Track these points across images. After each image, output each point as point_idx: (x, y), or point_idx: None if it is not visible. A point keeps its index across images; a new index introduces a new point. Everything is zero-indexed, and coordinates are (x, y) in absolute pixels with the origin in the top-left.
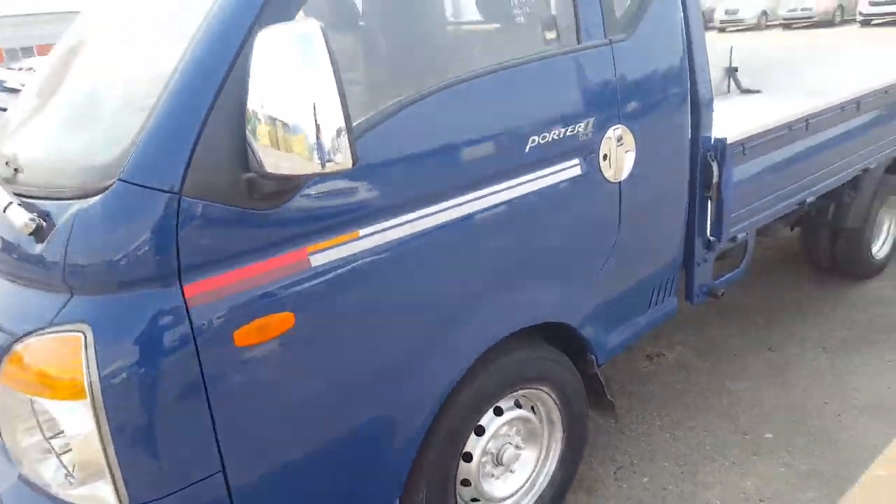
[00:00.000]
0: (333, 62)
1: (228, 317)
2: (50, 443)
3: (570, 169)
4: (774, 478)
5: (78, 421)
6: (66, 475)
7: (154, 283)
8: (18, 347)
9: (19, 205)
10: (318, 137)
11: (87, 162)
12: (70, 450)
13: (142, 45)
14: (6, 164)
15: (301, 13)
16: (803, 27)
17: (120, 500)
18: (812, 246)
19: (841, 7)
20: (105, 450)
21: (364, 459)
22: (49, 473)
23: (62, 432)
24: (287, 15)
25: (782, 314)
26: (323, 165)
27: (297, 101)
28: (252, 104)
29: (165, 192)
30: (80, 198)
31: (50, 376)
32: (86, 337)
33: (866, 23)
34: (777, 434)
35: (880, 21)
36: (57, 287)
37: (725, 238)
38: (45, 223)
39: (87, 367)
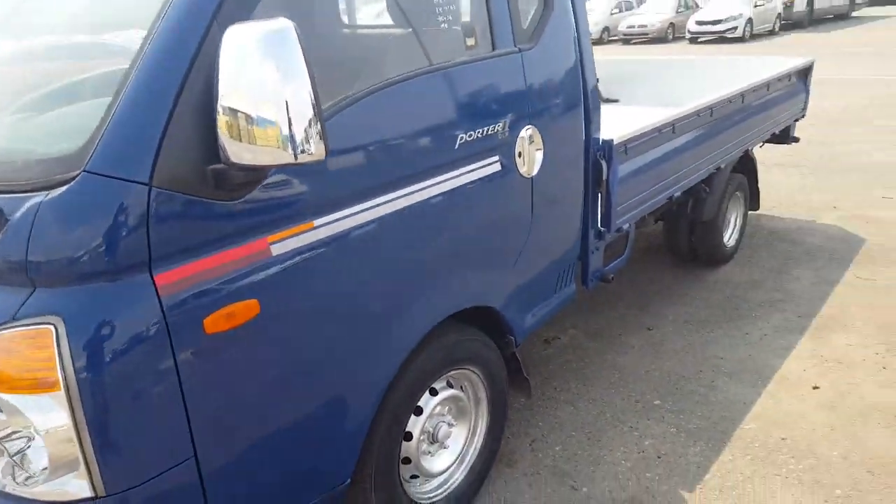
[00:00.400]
0: (306, 57)
1: (198, 305)
2: (3, 443)
3: (492, 165)
4: (667, 437)
5: (49, 414)
6: (26, 471)
7: (125, 273)
8: None
9: None
10: (290, 129)
11: (41, 154)
12: (30, 447)
13: (89, 32)
14: None
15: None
16: (640, 43)
17: (95, 491)
18: (674, 237)
19: (672, 25)
20: (81, 441)
21: (322, 440)
22: (4, 473)
23: (24, 429)
24: (246, 8)
25: (654, 298)
26: (296, 156)
27: (271, 95)
28: (223, 98)
29: (136, 182)
30: (37, 190)
31: (15, 371)
32: (57, 329)
33: (694, 40)
34: (664, 400)
35: (705, 39)
36: (14, 281)
37: (614, 228)
38: None
39: (61, 358)
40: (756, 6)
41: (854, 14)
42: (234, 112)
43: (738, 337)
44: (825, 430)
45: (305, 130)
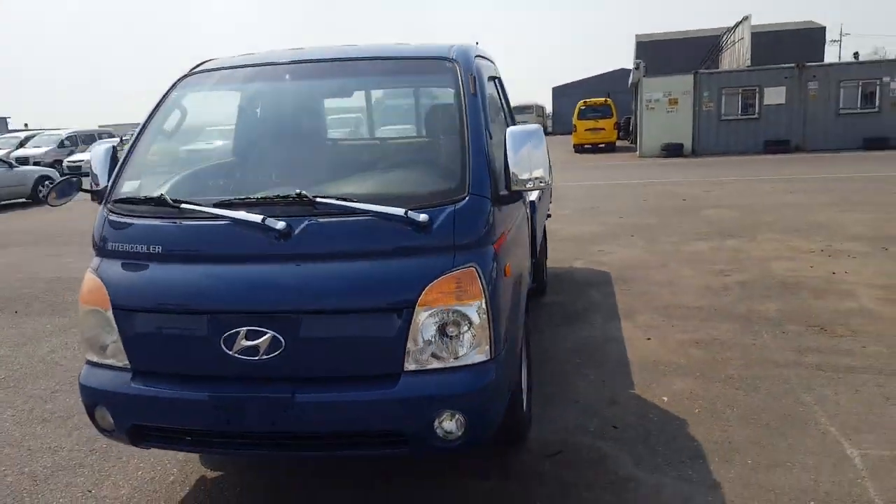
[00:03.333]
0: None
1: (502, 261)
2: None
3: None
4: (602, 373)
5: (476, 314)
6: (457, 349)
7: (488, 242)
8: (435, 282)
9: (415, 210)
10: (539, 173)
11: (437, 189)
12: (465, 333)
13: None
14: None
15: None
16: None
17: (490, 356)
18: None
19: None
20: (490, 328)
21: (518, 356)
22: (455, 351)
23: (465, 323)
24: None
25: None
26: (544, 183)
27: (533, 157)
28: (510, 158)
29: (488, 198)
30: (445, 205)
31: (460, 291)
32: (476, 269)
33: None
34: (582, 362)
35: None
36: (443, 251)
37: (535, 254)
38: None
39: (482, 283)
40: None
41: None
42: (517, 165)
43: (585, 326)
44: (667, 353)
45: (549, 173)
